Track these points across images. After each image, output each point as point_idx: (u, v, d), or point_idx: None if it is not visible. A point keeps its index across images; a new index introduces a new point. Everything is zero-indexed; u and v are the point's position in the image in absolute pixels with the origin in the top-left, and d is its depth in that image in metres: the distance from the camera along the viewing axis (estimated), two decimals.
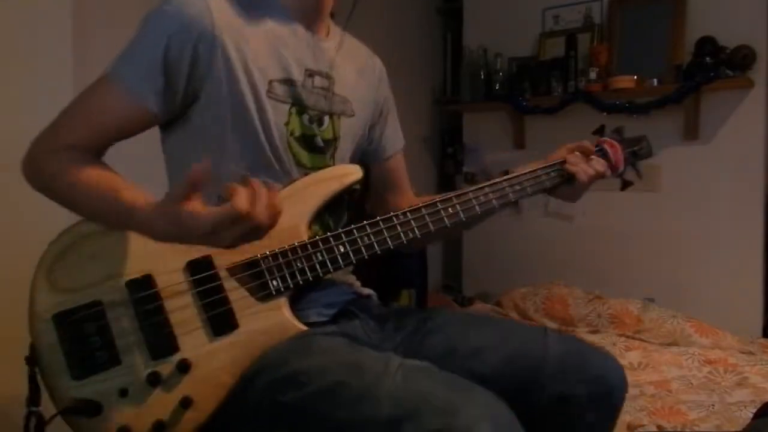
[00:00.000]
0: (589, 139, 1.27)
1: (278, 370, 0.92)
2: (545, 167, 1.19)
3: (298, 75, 1.05)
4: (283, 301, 0.98)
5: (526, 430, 0.84)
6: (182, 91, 0.97)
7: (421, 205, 1.07)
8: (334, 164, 1.10)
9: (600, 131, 1.30)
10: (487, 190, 1.11)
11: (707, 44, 2.72)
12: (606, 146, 1.26)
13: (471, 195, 1.10)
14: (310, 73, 1.07)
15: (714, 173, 2.82)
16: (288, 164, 1.04)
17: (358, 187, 1.12)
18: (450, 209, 1.07)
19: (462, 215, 1.08)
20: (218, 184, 0.99)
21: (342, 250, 1.00)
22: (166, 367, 0.92)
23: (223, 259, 0.96)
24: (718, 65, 2.68)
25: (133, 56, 0.97)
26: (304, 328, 0.98)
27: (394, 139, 1.28)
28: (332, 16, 1.16)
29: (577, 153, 1.21)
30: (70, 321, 0.92)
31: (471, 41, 3.38)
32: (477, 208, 1.09)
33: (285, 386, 0.90)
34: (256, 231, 0.81)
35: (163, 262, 0.95)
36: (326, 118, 1.09)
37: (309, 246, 0.99)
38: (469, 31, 3.43)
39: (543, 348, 1.02)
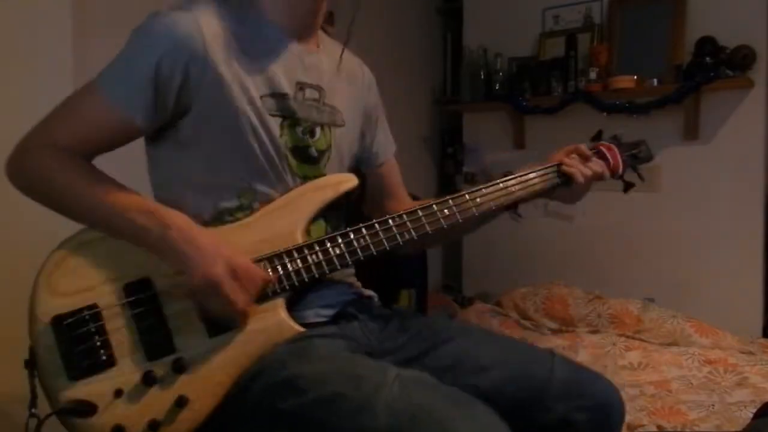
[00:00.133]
0: (588, 140, 1.27)
1: (277, 373, 0.93)
2: (540, 169, 1.18)
3: (289, 88, 1.05)
4: (279, 302, 0.99)
5: None
6: (172, 107, 0.98)
7: (417, 207, 1.08)
8: (327, 174, 1.11)
9: (598, 137, 1.31)
10: (483, 191, 1.12)
11: (707, 44, 2.72)
12: (603, 149, 1.26)
13: (467, 197, 1.10)
14: (301, 86, 1.07)
15: (714, 173, 2.82)
16: (283, 174, 1.05)
17: (352, 195, 1.13)
18: (446, 210, 1.08)
19: (458, 216, 1.08)
20: (214, 194, 1.02)
21: (337, 251, 1.01)
22: (161, 367, 0.93)
23: None
24: (718, 65, 2.68)
25: (122, 73, 0.98)
26: (301, 329, 0.98)
27: (385, 145, 1.28)
28: (332, 18, 1.17)
29: (574, 155, 1.21)
30: (67, 324, 0.93)
31: (471, 41, 3.38)
32: (474, 210, 1.10)
33: (284, 391, 0.91)
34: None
35: (161, 266, 0.96)
36: (318, 129, 1.10)
37: (304, 248, 1.00)
38: (469, 31, 3.43)
39: (549, 371, 1.04)
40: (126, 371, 0.93)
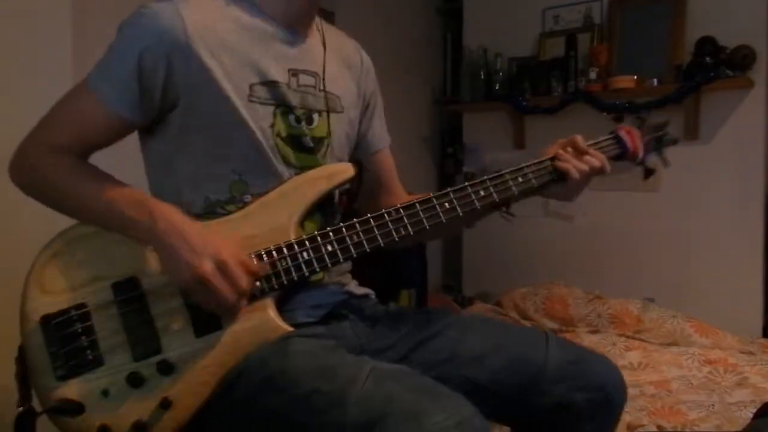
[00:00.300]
0: (594, 134, 1.18)
1: (259, 372, 0.92)
2: (533, 164, 1.10)
3: (281, 76, 1.04)
4: (268, 302, 0.97)
5: None
6: (159, 101, 0.98)
7: (400, 205, 1.03)
8: (326, 163, 1.09)
9: (619, 119, 1.23)
10: (470, 189, 1.06)
11: (707, 44, 2.72)
12: (622, 133, 1.18)
13: (452, 195, 1.04)
14: (294, 73, 1.06)
15: (714, 173, 2.82)
16: (276, 165, 1.03)
17: (348, 186, 1.10)
18: (443, 206, 1.03)
19: (442, 217, 1.03)
20: (206, 186, 1.01)
21: (330, 248, 0.98)
22: (147, 368, 0.93)
23: None
24: (718, 65, 2.68)
25: (108, 70, 0.98)
26: (290, 328, 0.97)
27: (380, 135, 1.26)
28: (332, 19, 1.16)
29: (570, 149, 1.12)
30: (56, 323, 0.93)
31: (471, 41, 3.38)
32: (458, 209, 1.04)
33: (264, 390, 0.91)
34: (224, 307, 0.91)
35: (149, 265, 0.96)
36: (316, 116, 1.08)
37: (295, 245, 0.97)
38: (469, 31, 3.43)
39: (544, 354, 1.03)
40: (113, 371, 0.93)
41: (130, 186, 0.98)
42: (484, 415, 0.83)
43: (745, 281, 2.76)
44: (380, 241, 0.99)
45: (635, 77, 2.85)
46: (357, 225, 0.99)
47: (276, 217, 1.00)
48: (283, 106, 1.04)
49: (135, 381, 0.92)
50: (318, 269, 0.98)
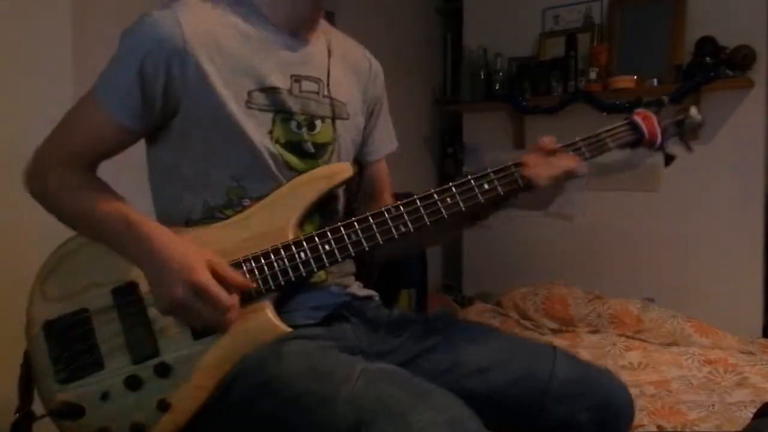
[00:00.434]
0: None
1: (255, 375, 0.92)
2: (494, 171, 1.01)
3: (282, 82, 1.03)
4: (266, 303, 0.96)
5: None
6: (160, 107, 0.99)
7: (401, 203, 1.00)
8: None
9: (636, 103, 1.20)
10: (436, 197, 0.99)
11: (707, 44, 2.72)
12: (638, 118, 1.12)
13: (419, 203, 0.99)
14: (297, 79, 1.05)
15: (714, 173, 2.81)
16: (275, 170, 1.03)
17: (345, 186, 1.10)
18: (449, 200, 0.99)
19: (426, 219, 0.99)
20: (204, 191, 1.02)
21: (327, 248, 0.97)
22: (145, 371, 0.94)
23: None
24: (718, 65, 2.67)
25: (110, 79, 0.99)
26: (287, 329, 0.96)
27: (380, 142, 1.24)
28: (332, 19, 1.15)
29: (538, 152, 1.03)
30: (58, 328, 0.96)
31: (471, 41, 3.38)
32: (425, 218, 0.99)
33: (260, 393, 0.91)
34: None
35: None
36: (318, 122, 1.08)
37: (292, 245, 0.97)
38: (469, 31, 3.43)
39: (549, 370, 1.01)
40: (112, 374, 0.94)
41: (125, 203, 0.98)
42: (486, 427, 0.82)
43: (745, 281, 2.76)
44: (379, 239, 0.98)
45: (635, 77, 2.85)
46: (355, 224, 0.98)
47: (275, 218, 1.00)
48: (283, 113, 1.04)
49: (133, 384, 0.93)
50: (315, 269, 0.97)
